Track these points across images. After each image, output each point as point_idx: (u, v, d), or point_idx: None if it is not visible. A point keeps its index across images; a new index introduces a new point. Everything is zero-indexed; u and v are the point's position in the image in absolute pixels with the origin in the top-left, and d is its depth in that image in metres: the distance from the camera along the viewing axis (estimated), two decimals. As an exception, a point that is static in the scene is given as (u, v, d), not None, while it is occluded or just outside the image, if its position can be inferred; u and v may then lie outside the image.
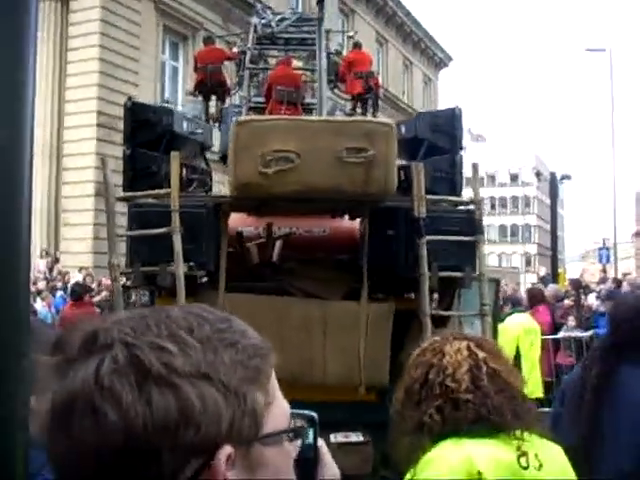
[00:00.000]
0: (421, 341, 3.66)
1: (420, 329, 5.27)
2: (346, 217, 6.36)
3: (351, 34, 14.17)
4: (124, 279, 6.24)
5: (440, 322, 5.49)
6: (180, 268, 5.24)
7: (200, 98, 11.97)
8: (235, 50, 12.08)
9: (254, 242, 6.26)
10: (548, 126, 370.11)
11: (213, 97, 11.82)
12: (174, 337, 0.84)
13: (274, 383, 0.93)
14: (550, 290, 13.10)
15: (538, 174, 70.46)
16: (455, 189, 5.97)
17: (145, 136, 6.05)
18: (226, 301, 5.26)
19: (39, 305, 12.93)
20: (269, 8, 12.95)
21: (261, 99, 10.68)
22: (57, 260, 18.07)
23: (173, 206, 5.24)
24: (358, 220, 6.22)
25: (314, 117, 8.99)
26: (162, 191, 5.48)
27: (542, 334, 10.79)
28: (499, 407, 2.09)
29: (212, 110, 11.86)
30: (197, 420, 0.80)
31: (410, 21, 42.43)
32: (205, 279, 5.92)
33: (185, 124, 6.28)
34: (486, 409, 2.08)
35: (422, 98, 46.63)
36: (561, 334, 11.35)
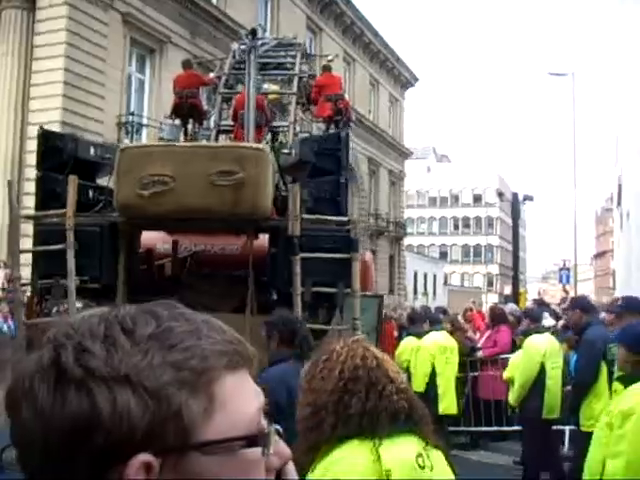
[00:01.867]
0: None
1: None
2: (261, 236, 6.48)
3: (330, 58, 14.40)
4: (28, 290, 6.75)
5: (319, 335, 5.69)
6: (72, 281, 5.75)
7: (177, 121, 12.38)
8: (212, 75, 12.47)
9: (167, 259, 6.73)
10: (512, 148, 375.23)
11: (191, 120, 12.11)
12: (106, 338, 0.82)
13: (229, 388, 0.85)
14: (507, 309, 13.23)
15: (500, 195, 71.19)
16: (339, 209, 6.09)
17: (53, 161, 6.51)
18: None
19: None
20: (251, 33, 13.27)
21: (231, 122, 10.99)
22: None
23: (68, 225, 5.80)
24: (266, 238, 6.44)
25: (188, 143, 9.59)
26: (59, 211, 6.01)
27: (503, 353, 10.90)
28: (401, 408, 2.17)
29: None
30: (107, 425, 0.78)
31: (377, 41, 42.83)
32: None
33: (92, 150, 6.66)
34: (391, 409, 2.15)
35: (388, 117, 47.00)
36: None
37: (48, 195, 6.39)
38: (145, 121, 23.42)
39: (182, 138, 11.76)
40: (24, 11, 20.70)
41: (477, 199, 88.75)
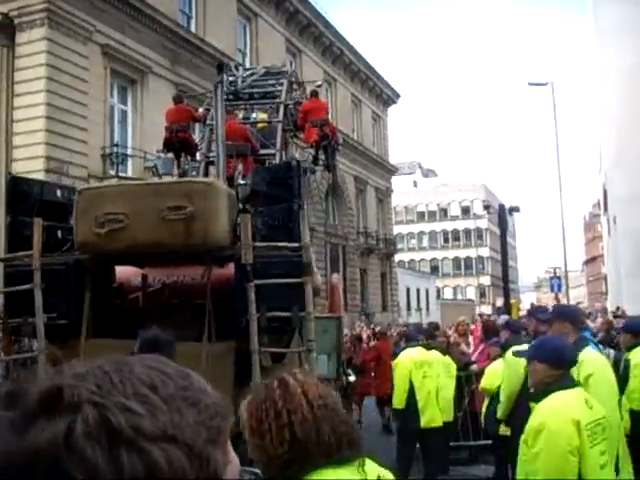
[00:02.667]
0: (254, 377, 4.48)
1: (262, 366, 5.87)
2: (231, 265, 6.70)
3: (319, 84, 14.74)
4: None
5: (278, 358, 6.11)
6: (40, 319, 6.12)
7: (170, 155, 12.65)
8: (201, 110, 12.67)
9: (135, 294, 7.14)
10: (497, 158, 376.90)
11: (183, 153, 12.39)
12: (140, 396, 0.82)
13: (228, 440, 0.91)
14: (500, 321, 13.23)
15: (487, 207, 71.38)
16: (292, 235, 6.29)
17: (22, 206, 6.82)
18: (87, 345, 6.21)
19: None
20: (240, 65, 13.90)
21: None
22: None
23: (34, 265, 6.18)
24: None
25: (139, 182, 10.03)
26: (27, 253, 6.35)
27: (497, 365, 10.88)
28: (340, 439, 2.22)
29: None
30: None
31: (357, 60, 43.13)
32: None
33: (59, 192, 6.97)
34: (330, 442, 2.20)
35: (372, 135, 47.21)
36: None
37: (17, 238, 6.74)
38: (130, 151, 23.46)
39: (175, 171, 12.03)
40: (3, 48, 20.75)
41: (465, 211, 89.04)
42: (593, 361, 5.28)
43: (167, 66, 25.11)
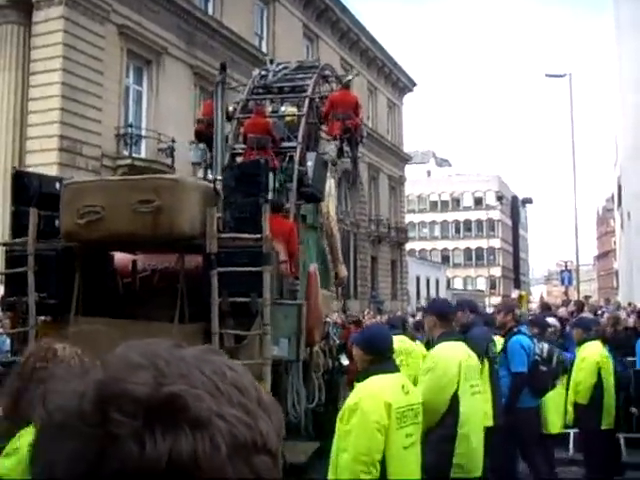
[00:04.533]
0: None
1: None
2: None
3: (350, 77, 15.13)
4: None
5: (240, 340, 6.75)
6: (32, 298, 6.99)
7: (202, 145, 13.38)
8: (231, 107, 13.07)
9: (129, 278, 7.92)
10: (512, 150, 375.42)
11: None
12: (243, 406, 0.81)
13: None
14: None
15: (500, 198, 71.14)
16: (258, 228, 6.83)
17: (23, 197, 7.59)
18: (75, 321, 6.94)
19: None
20: (272, 61, 14.68)
21: (241, 145, 11.96)
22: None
23: (29, 251, 7.07)
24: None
25: (115, 177, 11.40)
26: (23, 239, 7.23)
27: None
28: None
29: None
30: None
31: (374, 47, 42.93)
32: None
33: (57, 185, 7.59)
34: None
35: (387, 123, 47.05)
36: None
37: (19, 226, 7.48)
38: (144, 132, 23.47)
39: (206, 161, 12.83)
40: (20, 26, 20.78)
41: (478, 202, 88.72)
42: (435, 357, 5.74)
43: (183, 48, 25.05)
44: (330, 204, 13.28)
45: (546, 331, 9.15)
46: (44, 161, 19.87)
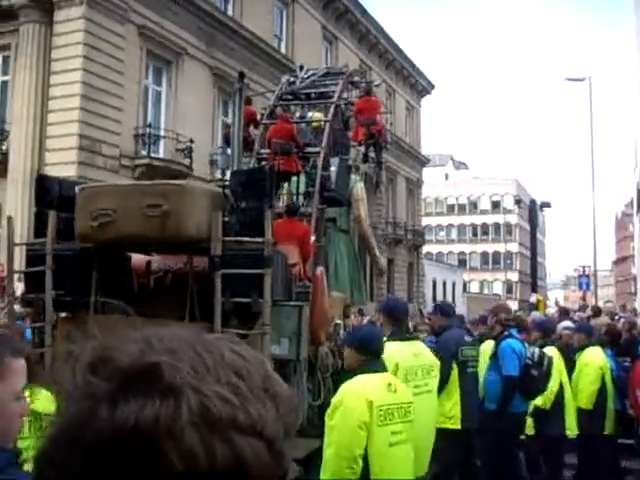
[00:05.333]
0: None
1: None
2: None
3: (377, 83, 15.77)
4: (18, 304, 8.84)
5: (241, 339, 6.48)
6: (49, 295, 7.32)
7: (229, 151, 13.69)
8: (259, 113, 13.72)
9: (153, 276, 8.23)
10: (530, 154, 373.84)
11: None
12: (233, 386, 0.81)
13: None
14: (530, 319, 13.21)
15: (518, 201, 70.85)
16: (262, 231, 7.06)
17: (45, 200, 7.91)
18: (92, 320, 7.19)
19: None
20: (302, 67, 15.26)
21: (267, 150, 12.42)
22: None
23: (47, 250, 7.38)
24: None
25: (126, 182, 11.91)
26: (42, 240, 7.56)
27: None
28: None
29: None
30: (250, 478, 0.78)
31: (393, 49, 42.87)
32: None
33: (77, 189, 7.81)
34: None
35: (405, 125, 46.99)
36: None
37: (40, 226, 7.80)
38: (162, 132, 23.57)
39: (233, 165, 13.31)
40: (42, 25, 20.94)
41: (495, 206, 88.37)
42: (393, 353, 5.88)
43: (202, 48, 25.14)
44: (361, 208, 13.71)
45: (550, 336, 9.12)
46: (63, 160, 20.02)
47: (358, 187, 13.69)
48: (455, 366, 7.21)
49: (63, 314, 7.86)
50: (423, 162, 51.16)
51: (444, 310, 8.33)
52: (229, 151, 13.46)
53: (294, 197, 12.76)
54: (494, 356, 7.93)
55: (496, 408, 7.73)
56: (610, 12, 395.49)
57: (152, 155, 22.61)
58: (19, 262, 8.66)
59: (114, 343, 0.85)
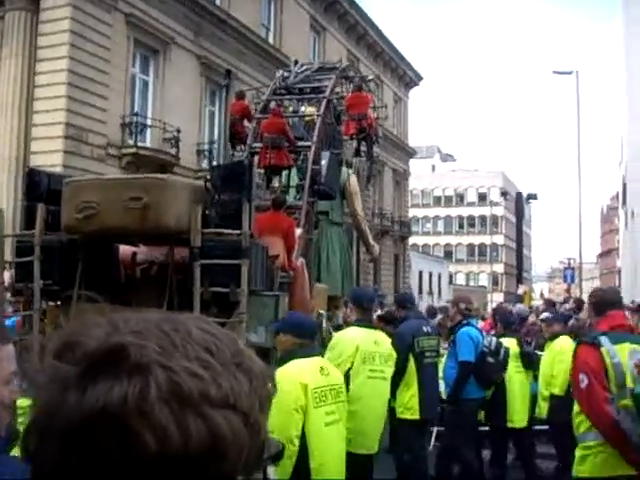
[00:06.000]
0: None
1: None
2: None
3: (370, 78, 16.26)
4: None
5: (221, 326, 7.07)
6: (37, 284, 7.68)
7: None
8: (252, 106, 14.11)
9: (140, 267, 8.56)
10: (517, 146, 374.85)
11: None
12: (202, 361, 0.80)
13: None
14: (515, 310, 13.30)
15: (504, 194, 71.05)
16: (240, 224, 7.35)
17: (34, 193, 8.27)
18: (76, 308, 7.55)
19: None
20: (296, 62, 15.58)
21: (260, 144, 12.67)
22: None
23: (36, 242, 7.70)
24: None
25: (110, 176, 12.10)
26: (31, 231, 7.89)
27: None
28: None
29: None
30: (226, 451, 0.78)
31: (381, 40, 42.78)
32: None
33: (65, 182, 8.13)
34: None
35: (392, 117, 46.91)
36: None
37: (30, 219, 8.09)
38: (149, 122, 23.45)
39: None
40: (28, 13, 20.74)
41: (482, 198, 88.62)
42: (337, 338, 6.59)
43: (190, 38, 25.00)
44: (356, 201, 13.95)
45: (510, 328, 9.28)
46: (49, 148, 19.90)
47: (352, 180, 13.86)
48: (412, 357, 7.39)
49: (52, 303, 8.20)
50: (410, 154, 51.18)
51: (399, 302, 8.54)
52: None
53: (287, 190, 12.98)
54: (452, 343, 8.14)
55: (451, 392, 7.97)
56: (599, 7, 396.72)
57: (139, 144, 22.47)
58: (8, 252, 8.96)
59: (80, 328, 0.85)
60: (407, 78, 48.76)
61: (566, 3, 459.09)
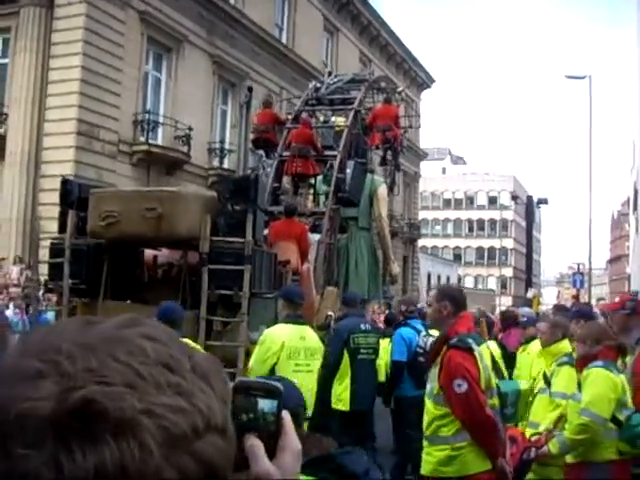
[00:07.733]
0: (200, 337, 7.60)
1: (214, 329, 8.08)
2: None
3: (400, 89, 16.86)
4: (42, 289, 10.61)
5: (224, 325, 8.15)
6: (66, 282, 8.53)
7: (260, 152, 15.16)
8: (284, 116, 14.87)
9: (161, 268, 9.47)
10: (528, 150, 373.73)
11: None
12: (174, 387, 0.71)
13: None
14: (520, 312, 13.24)
15: (515, 197, 70.86)
16: (245, 233, 8.02)
17: (67, 200, 9.08)
18: (101, 305, 8.39)
19: (10, 312, 12.74)
20: (330, 73, 16.05)
21: (288, 153, 13.38)
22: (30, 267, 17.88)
23: (66, 245, 8.57)
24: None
25: (129, 188, 13.05)
26: (63, 235, 8.76)
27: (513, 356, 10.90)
28: None
29: None
30: (216, 474, 0.73)
31: (394, 42, 42.72)
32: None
33: (90, 192, 8.91)
34: None
35: (404, 118, 46.84)
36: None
37: (64, 224, 8.93)
38: (161, 119, 23.52)
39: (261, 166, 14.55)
40: (42, 8, 20.85)
41: (492, 201, 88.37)
42: (266, 334, 6.90)
43: (203, 36, 25.06)
44: (382, 208, 14.46)
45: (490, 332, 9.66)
46: (61, 144, 19.98)
47: (382, 188, 14.65)
48: (346, 352, 8.03)
49: (82, 300, 8.97)
50: (421, 156, 51.09)
51: (345, 300, 9.46)
52: (259, 152, 14.89)
53: (316, 197, 13.98)
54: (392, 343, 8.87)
55: (386, 389, 8.74)
56: (613, 11, 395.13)
57: (150, 142, 22.57)
58: (16, 248, 9.69)
59: (16, 388, 0.67)
60: (419, 80, 48.67)
61: (582, 8, 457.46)
